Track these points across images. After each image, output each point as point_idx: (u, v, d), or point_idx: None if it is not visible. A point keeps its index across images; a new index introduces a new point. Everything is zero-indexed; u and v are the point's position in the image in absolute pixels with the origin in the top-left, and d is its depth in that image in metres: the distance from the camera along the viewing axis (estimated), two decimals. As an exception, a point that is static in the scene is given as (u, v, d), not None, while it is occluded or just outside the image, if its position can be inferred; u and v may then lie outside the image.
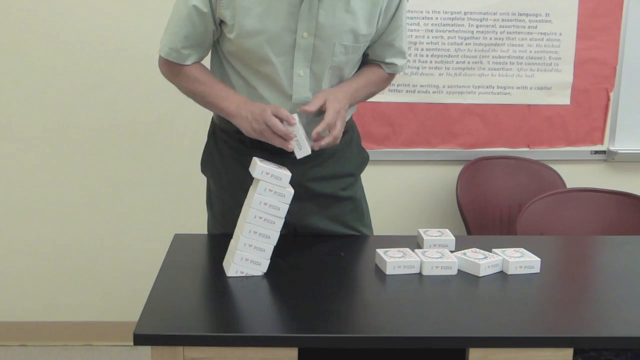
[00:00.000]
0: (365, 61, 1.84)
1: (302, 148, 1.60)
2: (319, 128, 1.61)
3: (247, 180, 1.74)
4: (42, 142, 2.80)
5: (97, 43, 2.73)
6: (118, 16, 2.72)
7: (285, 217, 1.55)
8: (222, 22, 1.68)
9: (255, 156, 1.57)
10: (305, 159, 1.64)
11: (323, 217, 1.83)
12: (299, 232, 1.81)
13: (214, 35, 1.72)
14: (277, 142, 1.59)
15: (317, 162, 1.78)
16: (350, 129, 1.88)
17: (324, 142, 1.62)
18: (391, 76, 1.88)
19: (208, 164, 1.87)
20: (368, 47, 1.78)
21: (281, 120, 1.59)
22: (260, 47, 1.64)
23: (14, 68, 2.74)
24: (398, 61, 1.83)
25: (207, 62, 1.79)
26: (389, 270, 1.59)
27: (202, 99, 1.74)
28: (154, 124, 2.80)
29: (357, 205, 1.90)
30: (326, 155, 1.81)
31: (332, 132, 1.63)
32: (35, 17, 2.70)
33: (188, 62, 1.72)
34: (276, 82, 1.69)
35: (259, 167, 1.51)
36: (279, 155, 1.63)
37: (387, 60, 1.82)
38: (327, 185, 1.82)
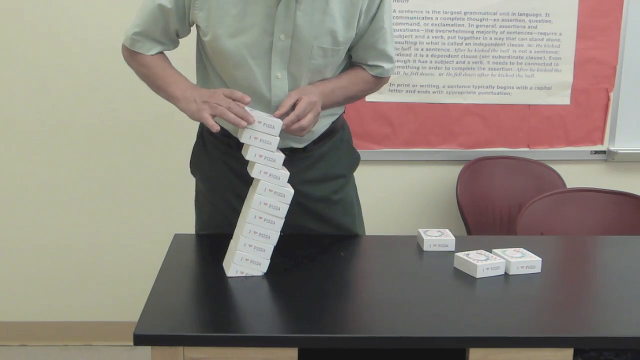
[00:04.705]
0: (351, 63, 1.80)
1: (274, 126, 1.52)
2: (287, 120, 1.56)
3: (235, 182, 1.74)
4: (42, 142, 2.80)
5: (96, 42, 2.72)
6: (117, 15, 2.70)
7: None
8: (196, 24, 1.66)
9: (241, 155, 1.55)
10: (296, 161, 1.62)
11: (315, 220, 1.82)
12: (293, 234, 1.79)
13: (180, 33, 1.71)
14: (230, 117, 1.51)
15: (307, 164, 1.77)
16: (340, 128, 1.86)
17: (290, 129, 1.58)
18: (378, 79, 1.80)
19: (197, 165, 1.86)
20: (351, 49, 1.74)
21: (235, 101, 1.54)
22: (237, 49, 1.62)
23: (13, 67, 2.74)
24: (383, 64, 1.77)
25: (191, 58, 1.78)
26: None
27: (152, 83, 1.72)
28: (154, 123, 2.79)
29: (348, 208, 1.87)
30: (316, 157, 1.79)
31: (300, 122, 1.58)
32: (34, 16, 2.70)
33: (151, 53, 1.71)
34: (254, 86, 1.66)
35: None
36: None
37: (370, 63, 1.76)
38: (319, 188, 1.80)
